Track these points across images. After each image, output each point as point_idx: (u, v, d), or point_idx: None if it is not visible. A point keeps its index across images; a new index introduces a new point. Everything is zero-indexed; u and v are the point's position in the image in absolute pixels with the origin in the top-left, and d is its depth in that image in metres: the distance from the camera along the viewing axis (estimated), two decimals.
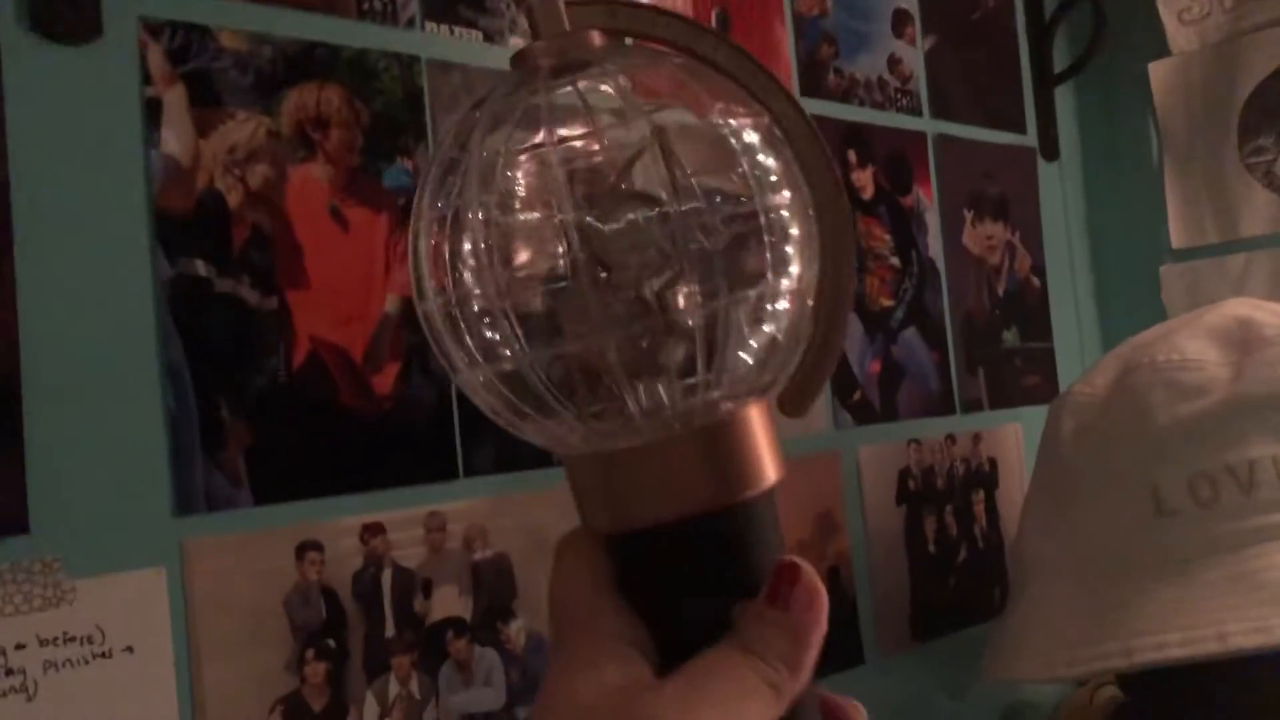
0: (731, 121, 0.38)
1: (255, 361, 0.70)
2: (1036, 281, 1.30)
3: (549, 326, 0.37)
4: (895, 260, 1.12)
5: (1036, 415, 1.02)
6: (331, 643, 0.71)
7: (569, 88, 0.37)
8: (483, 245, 0.37)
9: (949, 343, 1.17)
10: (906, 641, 1.08)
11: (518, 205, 0.37)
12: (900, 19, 1.16)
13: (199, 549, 0.66)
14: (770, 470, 0.37)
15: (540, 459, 0.79)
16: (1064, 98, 1.37)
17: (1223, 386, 0.86)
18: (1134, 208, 1.36)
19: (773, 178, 0.38)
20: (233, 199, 0.69)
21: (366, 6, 0.76)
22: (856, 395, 1.06)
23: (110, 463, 0.64)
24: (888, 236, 1.12)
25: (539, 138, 0.37)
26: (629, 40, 0.41)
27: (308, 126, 0.73)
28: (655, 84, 0.39)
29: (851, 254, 0.41)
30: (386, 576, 0.74)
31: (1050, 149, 1.34)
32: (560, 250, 0.37)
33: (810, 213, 0.39)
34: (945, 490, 1.14)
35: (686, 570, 0.37)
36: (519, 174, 0.37)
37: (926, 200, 1.16)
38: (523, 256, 0.37)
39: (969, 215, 1.21)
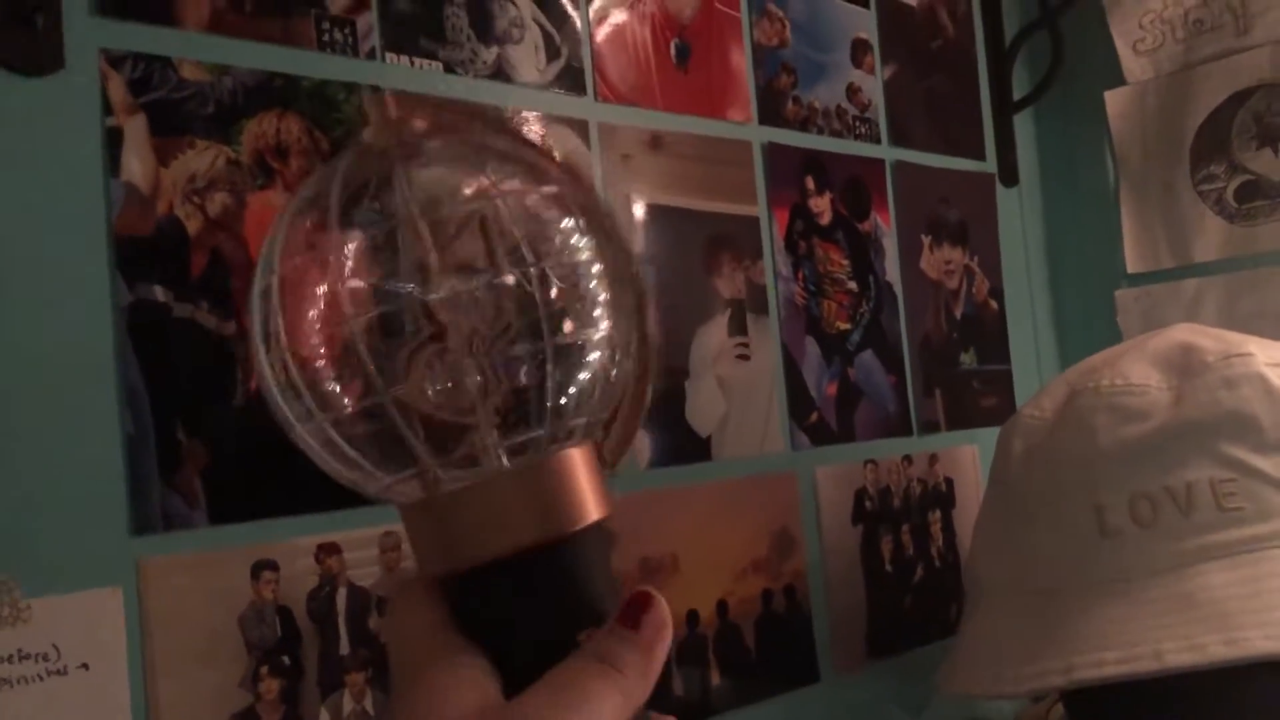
0: (546, 205, 0.42)
1: (213, 385, 0.71)
2: (994, 304, 1.32)
3: (383, 382, 0.39)
4: (853, 284, 1.14)
5: (994, 436, 1.04)
6: (286, 660, 0.72)
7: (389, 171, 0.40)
8: (321, 304, 0.39)
9: (906, 365, 1.20)
10: (862, 659, 1.10)
11: (356, 269, 0.40)
12: (859, 48, 1.19)
13: (155, 568, 0.68)
14: (593, 507, 0.39)
15: None
16: (1023, 125, 1.40)
17: (1164, 411, 0.88)
18: (1091, 233, 1.38)
19: (583, 254, 0.41)
20: (192, 226, 0.71)
21: (326, 38, 0.78)
22: (813, 417, 1.08)
23: (68, 483, 0.65)
24: (845, 261, 1.14)
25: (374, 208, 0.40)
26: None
27: (267, 155, 0.75)
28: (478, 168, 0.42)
29: (646, 307, 0.44)
30: (341, 595, 0.75)
31: (1009, 175, 1.37)
32: (395, 313, 0.40)
33: (616, 280, 0.42)
34: (902, 510, 1.16)
35: (522, 603, 0.38)
36: (359, 242, 0.40)
37: (884, 226, 1.19)
38: (357, 322, 0.39)
39: (927, 240, 1.24)
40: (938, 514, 1.20)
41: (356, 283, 0.40)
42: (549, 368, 0.40)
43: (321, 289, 0.39)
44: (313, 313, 0.39)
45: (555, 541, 0.38)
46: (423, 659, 0.37)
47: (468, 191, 0.41)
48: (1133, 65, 1.32)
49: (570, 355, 0.41)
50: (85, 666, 0.64)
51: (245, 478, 0.72)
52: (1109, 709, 0.85)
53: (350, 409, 0.39)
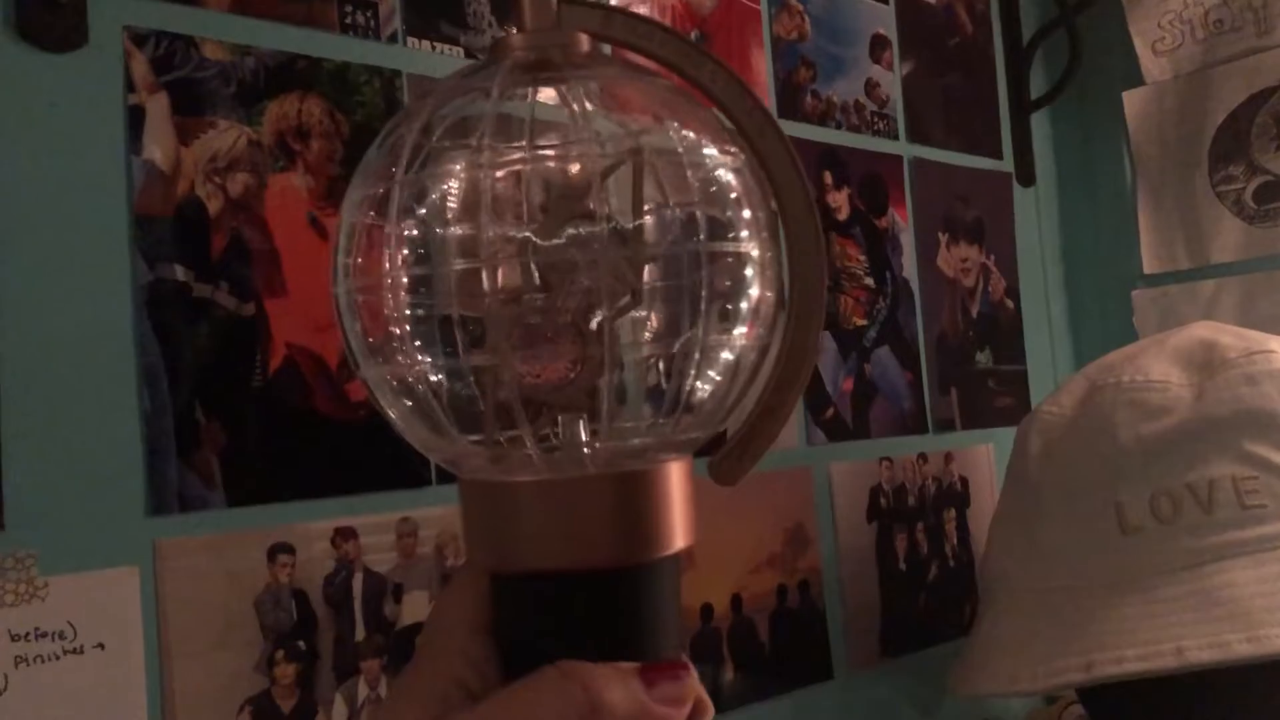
0: (708, 158, 0.36)
1: (231, 366, 0.71)
2: (1010, 304, 1.32)
3: (474, 337, 0.34)
4: (870, 280, 1.14)
5: (1009, 436, 1.04)
6: (302, 644, 0.72)
7: (529, 90, 0.35)
8: (421, 245, 0.35)
9: (922, 362, 1.19)
10: (876, 657, 1.09)
11: (462, 212, 0.35)
12: (878, 44, 1.18)
13: (171, 549, 0.67)
14: (680, 534, 0.34)
15: None
16: (1040, 124, 1.40)
17: (1186, 407, 0.88)
18: (1108, 233, 1.38)
19: (743, 230, 0.36)
20: (213, 206, 0.71)
21: (349, 21, 0.78)
22: (829, 412, 1.08)
23: (86, 462, 0.65)
24: (862, 257, 1.13)
25: (494, 142, 0.34)
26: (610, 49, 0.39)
27: (288, 137, 0.74)
28: (632, 103, 0.37)
29: (819, 318, 0.37)
30: (358, 581, 0.75)
31: (1026, 175, 1.36)
32: (504, 264, 0.34)
33: (777, 264, 0.36)
34: (916, 508, 1.16)
35: (571, 625, 0.34)
36: (471, 177, 0.35)
37: (901, 222, 1.18)
38: (460, 264, 0.35)
39: (944, 238, 1.23)
40: (953, 513, 1.20)
41: (460, 226, 0.35)
42: (676, 356, 0.35)
43: (418, 221, 0.35)
44: (408, 245, 0.35)
45: (630, 567, 0.33)
46: (430, 655, 0.35)
47: (630, 129, 0.36)
48: (1151, 65, 1.31)
49: (708, 347, 0.35)
50: (101, 646, 0.64)
51: (263, 460, 0.71)
52: (1128, 706, 0.85)
53: (427, 361, 0.35)
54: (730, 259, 0.35)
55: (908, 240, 1.19)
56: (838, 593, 1.06)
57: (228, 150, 0.72)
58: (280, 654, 0.71)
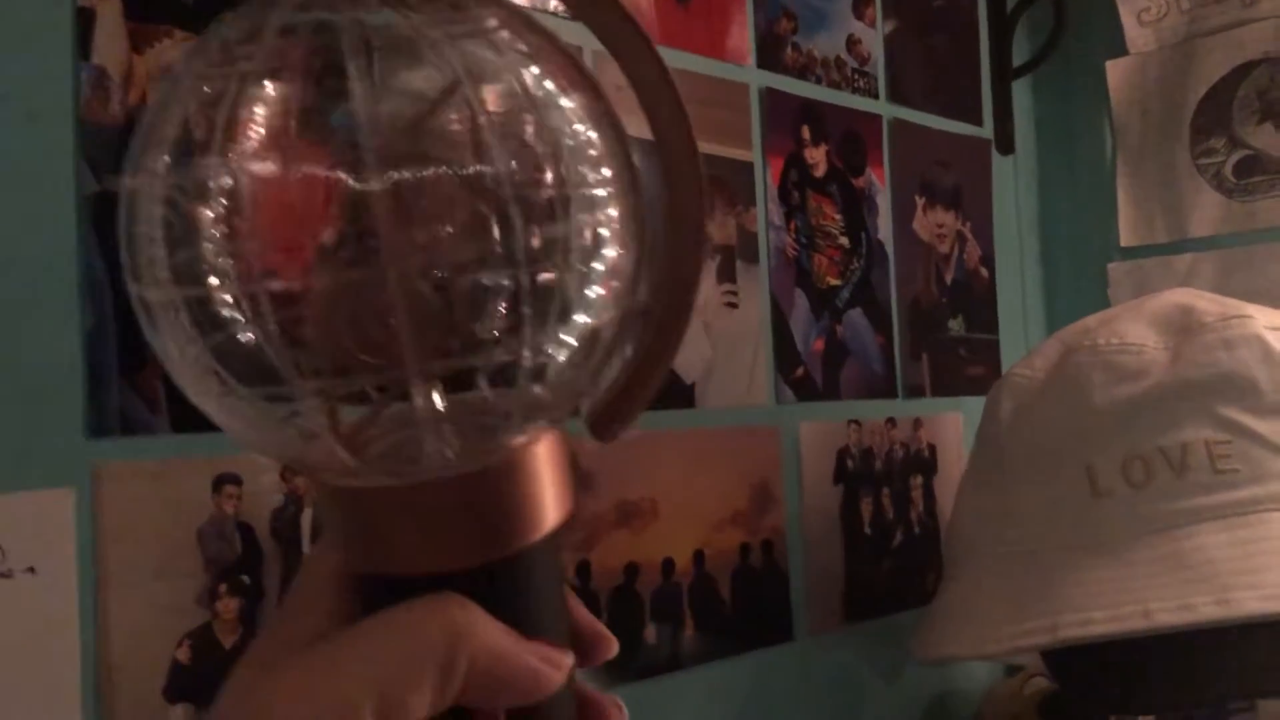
0: (548, 84, 0.32)
1: None
2: (985, 272, 1.30)
3: (302, 316, 0.29)
4: (844, 239, 1.12)
5: (978, 405, 1.02)
6: (246, 579, 0.69)
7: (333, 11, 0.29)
8: (225, 213, 0.29)
9: (894, 326, 1.17)
10: (837, 621, 1.08)
11: (270, 162, 0.29)
12: (861, 0, 1.16)
13: (111, 473, 0.64)
14: (551, 513, 0.32)
15: None
16: (1021, 92, 1.38)
17: (1161, 370, 0.86)
18: (1085, 204, 1.36)
19: (599, 189, 0.32)
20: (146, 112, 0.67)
21: None
22: (799, 371, 1.06)
23: (22, 379, 0.62)
24: (838, 216, 1.11)
25: (296, 72, 0.29)
26: None
27: None
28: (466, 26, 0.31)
29: (700, 253, 0.34)
30: (307, 516, 0.72)
31: (1006, 143, 1.34)
32: (325, 219, 0.29)
33: (639, 218, 0.33)
34: (883, 473, 1.14)
35: None
36: (273, 120, 0.29)
37: (879, 183, 1.16)
38: (277, 227, 0.29)
39: (921, 201, 1.22)
40: (919, 480, 1.18)
41: (261, 162, 0.29)
42: (526, 312, 0.30)
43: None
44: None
45: (498, 560, 0.32)
46: (293, 607, 0.33)
47: (446, 59, 0.30)
48: (1136, 35, 1.30)
49: (559, 300, 0.31)
50: (32, 570, 0.61)
51: None
52: (1094, 669, 0.83)
53: (234, 331, 0.30)
54: (590, 223, 0.32)
55: (884, 202, 1.17)
56: (801, 554, 1.04)
57: None
58: (223, 588, 0.68)
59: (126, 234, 0.31)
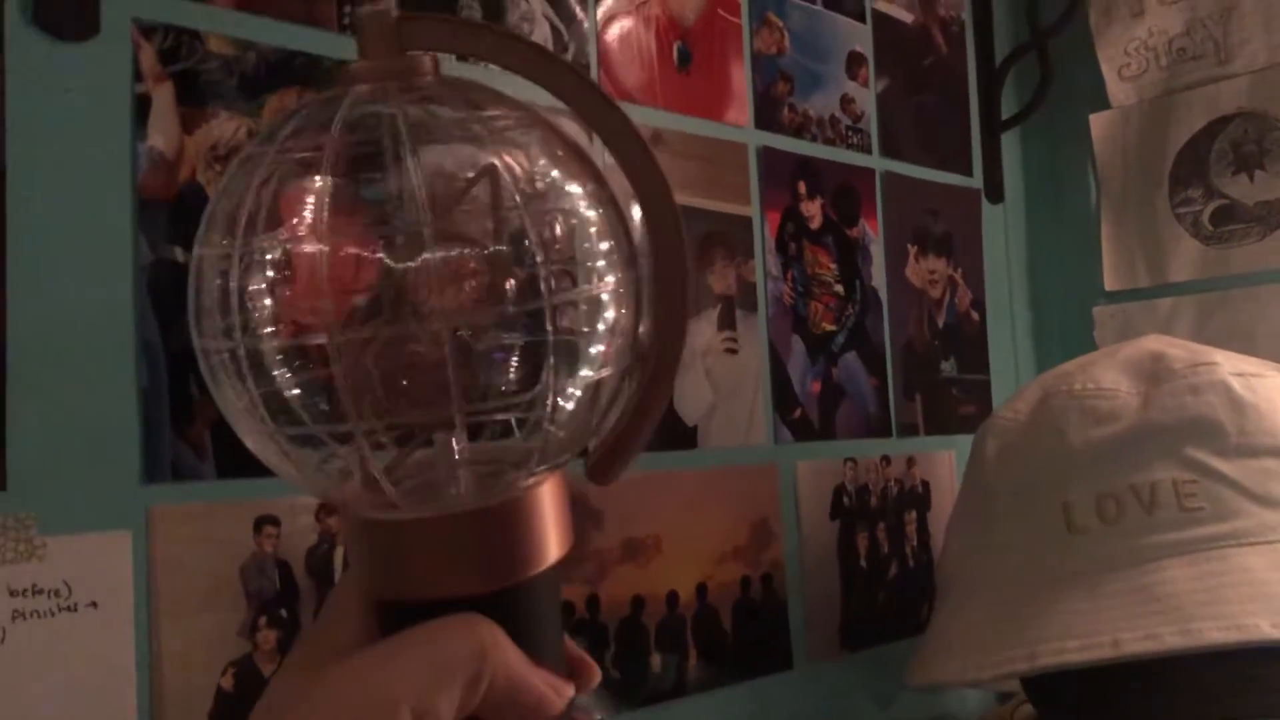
0: (562, 177, 0.37)
1: None
2: (976, 316, 1.36)
3: (340, 376, 0.34)
4: (839, 287, 1.18)
5: (970, 443, 1.08)
6: (284, 612, 0.75)
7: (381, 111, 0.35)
8: (276, 282, 0.35)
9: (888, 369, 1.23)
10: (835, 650, 1.13)
11: (318, 242, 0.35)
12: (854, 61, 1.23)
13: (163, 515, 0.71)
14: (554, 548, 0.36)
15: None
16: (1010, 143, 1.45)
17: (1132, 414, 0.92)
18: (1072, 250, 1.43)
19: (603, 243, 0.36)
20: (213, 191, 0.74)
21: (347, 21, 0.82)
22: (797, 412, 1.12)
23: (85, 430, 0.69)
24: (833, 265, 1.18)
25: (339, 165, 0.34)
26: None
27: None
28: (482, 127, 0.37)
29: (684, 305, 0.38)
30: (339, 554, 0.78)
31: (995, 191, 1.41)
32: (366, 292, 0.35)
33: (635, 283, 0.37)
34: (878, 508, 1.20)
35: None
36: (320, 207, 0.34)
37: (872, 233, 1.23)
38: (320, 297, 0.34)
39: (913, 249, 1.28)
40: (913, 515, 1.24)
41: (313, 243, 0.34)
42: (544, 366, 0.35)
43: (278, 245, 0.35)
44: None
45: (506, 589, 0.36)
46: (326, 623, 0.38)
47: (471, 154, 0.36)
48: (1117, 90, 1.37)
49: (573, 354, 0.36)
50: (94, 604, 0.67)
51: None
52: (1068, 695, 0.89)
53: (287, 388, 0.35)
54: (593, 291, 0.36)
55: (877, 250, 1.23)
56: (799, 586, 1.10)
57: (228, 139, 0.75)
58: (263, 620, 0.74)
59: (194, 295, 0.36)
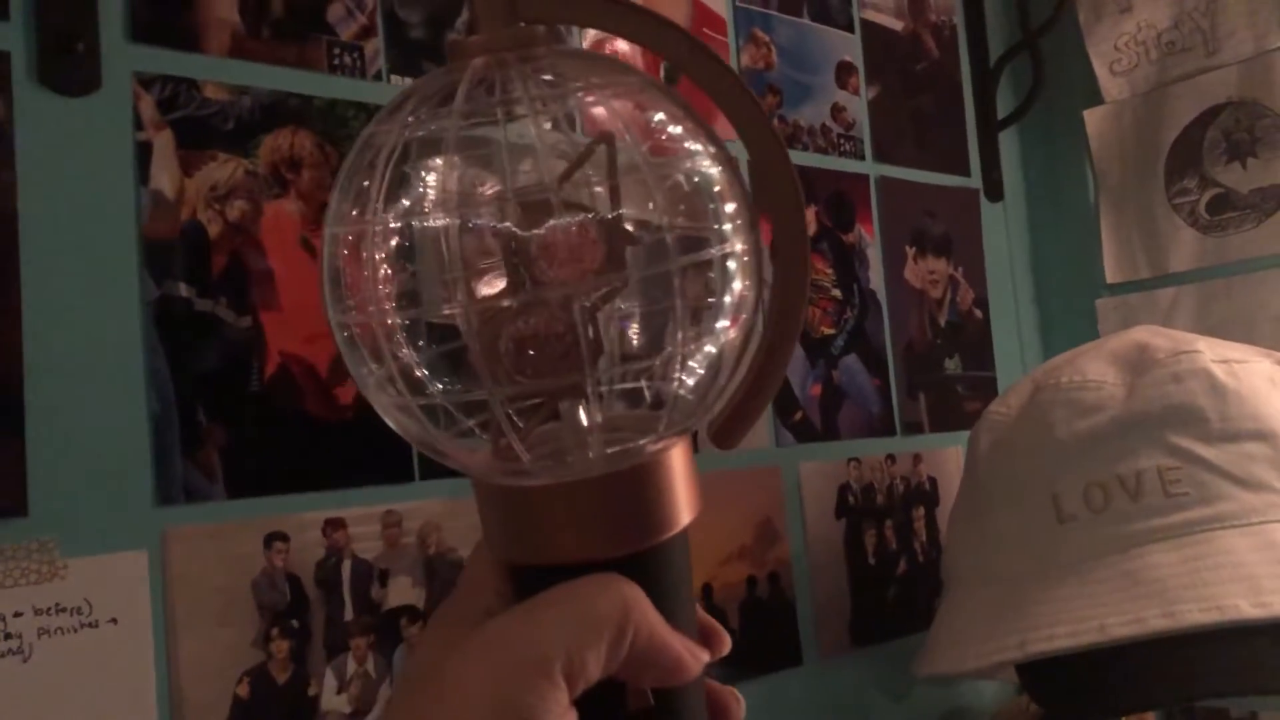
0: (682, 140, 0.37)
1: (231, 372, 0.79)
2: (979, 313, 1.39)
3: (473, 344, 0.35)
4: (837, 292, 1.21)
5: None
6: (295, 623, 0.80)
7: (498, 97, 0.35)
8: (405, 256, 0.35)
9: (890, 369, 1.26)
10: (845, 646, 1.16)
11: (445, 215, 0.36)
12: (844, 70, 1.26)
13: (177, 535, 0.75)
14: (683, 513, 0.37)
15: None
16: (1007, 142, 1.47)
17: (1117, 404, 0.95)
18: (1073, 245, 1.45)
19: (727, 205, 0.36)
20: (213, 230, 0.79)
21: (337, 62, 0.86)
22: (798, 415, 1.15)
23: (101, 457, 0.73)
24: (830, 270, 1.21)
25: (462, 145, 0.35)
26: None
27: (282, 167, 0.83)
28: (602, 95, 0.37)
29: (805, 282, 0.38)
30: (346, 566, 0.83)
31: (994, 190, 1.43)
32: (492, 263, 0.35)
33: (757, 251, 0.37)
34: (885, 506, 1.22)
35: None
36: (449, 183, 0.35)
37: (868, 237, 1.26)
38: (450, 269, 0.35)
39: (911, 251, 1.31)
40: (921, 511, 1.26)
41: (441, 216, 0.35)
42: (660, 358, 0.35)
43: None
44: (390, 255, 0.35)
45: (639, 552, 0.36)
46: (465, 588, 0.39)
47: (589, 121, 0.36)
48: (1110, 85, 1.38)
49: (699, 318, 0.36)
50: (114, 621, 0.72)
51: (260, 456, 0.79)
52: (1060, 679, 0.91)
53: (421, 359, 0.36)
54: (716, 256, 0.36)
55: (875, 254, 1.26)
56: (807, 584, 1.13)
57: (227, 180, 0.80)
58: (275, 631, 0.79)
59: (329, 271, 0.37)
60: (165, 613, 0.74)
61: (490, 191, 0.35)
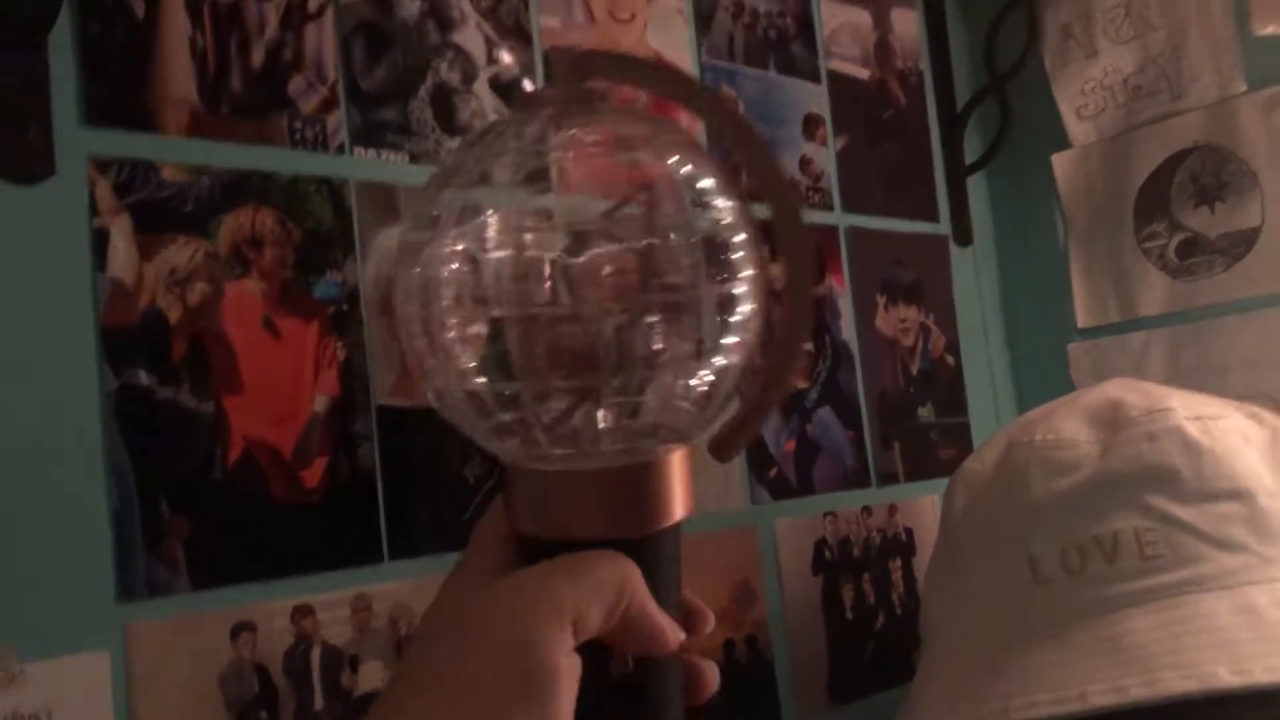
0: (711, 193, 0.44)
1: (193, 461, 0.77)
2: (951, 360, 1.38)
3: (517, 348, 0.43)
4: (809, 345, 1.20)
5: None
6: (264, 715, 0.78)
7: (569, 134, 0.44)
8: (465, 270, 0.43)
9: (864, 420, 1.25)
10: (824, 704, 1.15)
11: (501, 237, 0.44)
12: (811, 122, 1.26)
13: (140, 632, 0.73)
14: (679, 508, 0.45)
15: (460, 543, 0.86)
16: (976, 187, 1.47)
17: (1092, 464, 0.94)
18: (1043, 289, 1.45)
19: (742, 251, 0.44)
20: (173, 315, 0.77)
21: (298, 136, 0.85)
22: (773, 472, 1.14)
23: (59, 555, 0.71)
24: None
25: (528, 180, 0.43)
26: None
27: (243, 246, 0.81)
28: (643, 144, 0.45)
29: (808, 314, 0.46)
30: (316, 654, 0.81)
31: (964, 236, 1.43)
32: (538, 282, 0.43)
33: (764, 280, 0.45)
34: (862, 559, 1.22)
35: None
36: (504, 208, 0.43)
37: (839, 288, 1.25)
38: (502, 283, 0.43)
39: (882, 300, 1.30)
40: (898, 562, 1.26)
41: (499, 251, 0.43)
42: (687, 350, 0.43)
43: (457, 247, 0.43)
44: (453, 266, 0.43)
45: (638, 537, 0.43)
46: (473, 555, 0.47)
47: (635, 165, 0.45)
48: (1077, 129, 1.39)
49: (708, 341, 0.43)
50: None
51: (225, 545, 0.78)
52: None
53: (469, 356, 0.43)
54: (728, 289, 0.44)
55: (845, 305, 1.26)
56: (785, 644, 1.12)
57: (186, 263, 0.78)
58: None
59: (401, 276, 0.45)
60: (129, 713, 0.72)
61: (544, 221, 0.44)
